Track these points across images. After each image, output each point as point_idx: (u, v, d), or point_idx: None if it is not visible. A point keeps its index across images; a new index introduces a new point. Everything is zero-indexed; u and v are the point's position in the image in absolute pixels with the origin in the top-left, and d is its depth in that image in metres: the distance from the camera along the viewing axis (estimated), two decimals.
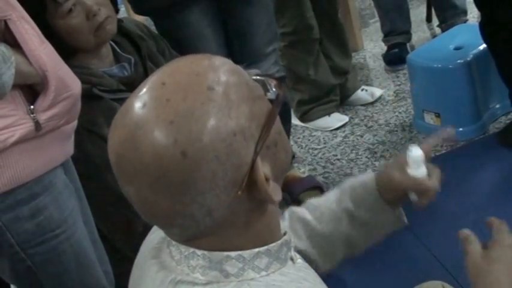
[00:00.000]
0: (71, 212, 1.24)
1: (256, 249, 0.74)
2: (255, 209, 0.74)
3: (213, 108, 0.67)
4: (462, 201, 2.16)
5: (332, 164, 2.58)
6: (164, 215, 0.70)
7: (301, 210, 1.07)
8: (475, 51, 2.43)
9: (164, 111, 0.67)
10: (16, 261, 1.19)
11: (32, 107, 1.13)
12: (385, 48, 3.25)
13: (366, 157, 2.55)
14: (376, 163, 2.50)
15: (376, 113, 2.84)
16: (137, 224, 1.49)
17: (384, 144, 2.60)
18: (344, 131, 2.78)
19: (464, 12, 3.19)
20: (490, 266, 0.92)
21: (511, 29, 2.11)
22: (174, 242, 0.76)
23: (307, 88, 2.80)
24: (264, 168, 0.70)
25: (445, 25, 3.15)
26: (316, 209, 1.06)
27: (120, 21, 1.58)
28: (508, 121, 2.47)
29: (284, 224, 0.99)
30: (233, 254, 0.73)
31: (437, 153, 2.44)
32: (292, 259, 0.79)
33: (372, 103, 2.90)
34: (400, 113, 2.79)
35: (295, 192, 2.31)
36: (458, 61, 2.42)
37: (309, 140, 2.80)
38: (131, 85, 1.53)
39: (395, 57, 3.14)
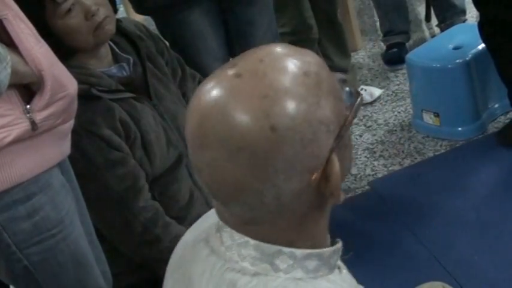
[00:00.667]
0: (67, 211, 1.24)
1: (309, 250, 0.75)
2: (315, 206, 0.75)
3: (307, 92, 0.69)
4: (461, 200, 2.16)
5: None
6: (234, 187, 0.70)
7: None
8: (474, 51, 2.43)
9: (260, 84, 0.68)
10: (13, 261, 1.19)
11: (28, 106, 1.13)
12: (384, 47, 3.25)
13: (365, 157, 2.55)
14: (375, 163, 2.49)
15: (375, 112, 2.84)
16: (136, 224, 1.49)
17: (383, 143, 2.60)
18: None
19: (463, 12, 3.18)
20: None
21: (510, 29, 2.11)
22: (226, 228, 0.77)
23: None
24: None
25: (444, 25, 3.15)
26: None
27: (119, 21, 1.58)
28: (507, 120, 2.46)
29: None
30: (286, 249, 0.74)
31: (436, 153, 2.44)
32: (339, 268, 0.80)
33: (371, 103, 2.90)
34: (399, 112, 2.79)
35: None
36: (457, 61, 2.42)
37: None
38: (130, 85, 1.53)
39: (394, 57, 3.13)
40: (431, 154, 2.46)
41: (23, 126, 1.12)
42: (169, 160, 1.55)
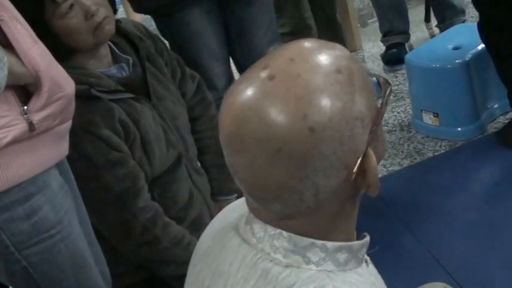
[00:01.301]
0: (66, 212, 1.24)
1: (339, 243, 0.76)
2: (350, 200, 0.76)
3: (340, 90, 0.70)
4: (461, 201, 2.16)
5: None
6: (273, 188, 0.71)
7: None
8: (473, 51, 2.43)
9: (294, 85, 0.69)
10: (11, 262, 1.19)
11: (25, 107, 1.13)
12: (383, 48, 3.25)
13: None
14: None
15: None
16: (135, 225, 1.49)
17: None
18: None
19: (463, 12, 3.18)
20: None
21: (509, 29, 2.11)
22: (257, 220, 0.77)
23: None
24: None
25: (443, 25, 3.15)
26: None
27: (118, 21, 1.58)
28: (506, 121, 2.46)
29: None
30: (318, 242, 0.75)
31: (436, 153, 2.44)
32: (366, 261, 0.81)
33: None
34: (398, 112, 2.79)
35: None
36: (457, 61, 2.42)
37: None
38: (129, 86, 1.53)
39: (393, 57, 3.13)
40: (430, 154, 2.46)
41: (21, 127, 1.11)
42: (168, 160, 1.55)
